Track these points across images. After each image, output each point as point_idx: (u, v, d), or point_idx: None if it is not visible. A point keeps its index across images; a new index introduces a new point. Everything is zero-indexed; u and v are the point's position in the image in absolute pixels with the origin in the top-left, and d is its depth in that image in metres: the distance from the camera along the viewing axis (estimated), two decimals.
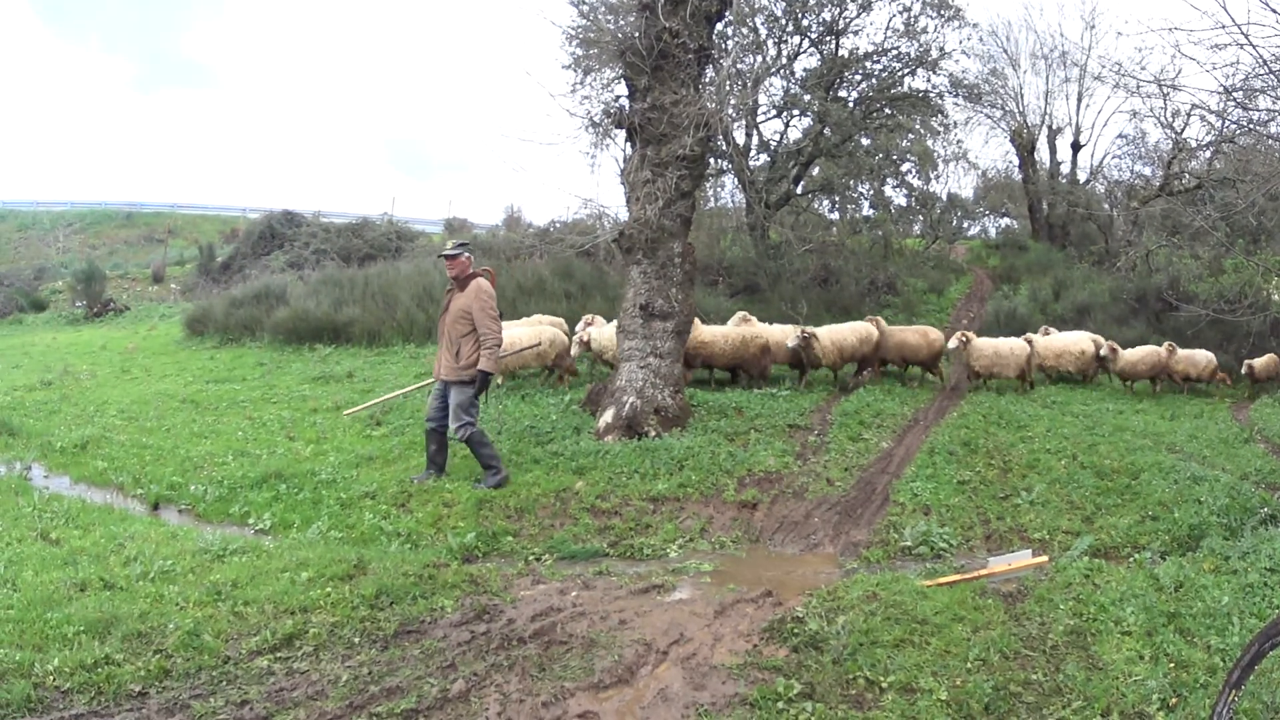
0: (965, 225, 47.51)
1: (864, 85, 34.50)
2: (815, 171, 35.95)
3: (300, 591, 8.57)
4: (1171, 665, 6.94)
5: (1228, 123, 21.37)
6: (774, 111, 35.39)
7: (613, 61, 16.02)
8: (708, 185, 34.29)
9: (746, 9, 30.56)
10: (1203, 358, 23.85)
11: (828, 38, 33.71)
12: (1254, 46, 14.85)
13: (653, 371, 15.56)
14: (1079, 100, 45.91)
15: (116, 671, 6.89)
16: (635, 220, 15.71)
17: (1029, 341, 22.01)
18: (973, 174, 46.83)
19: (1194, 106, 24.12)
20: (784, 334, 20.27)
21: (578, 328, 20.60)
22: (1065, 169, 46.98)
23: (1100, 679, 6.81)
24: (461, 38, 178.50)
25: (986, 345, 21.03)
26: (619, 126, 16.30)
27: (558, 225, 36.61)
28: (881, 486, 13.29)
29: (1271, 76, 15.45)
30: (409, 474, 13.37)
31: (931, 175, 37.42)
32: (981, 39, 44.17)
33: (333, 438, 15.96)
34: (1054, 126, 46.53)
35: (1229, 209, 23.27)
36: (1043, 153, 46.74)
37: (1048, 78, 46.44)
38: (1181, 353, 23.61)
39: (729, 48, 20.52)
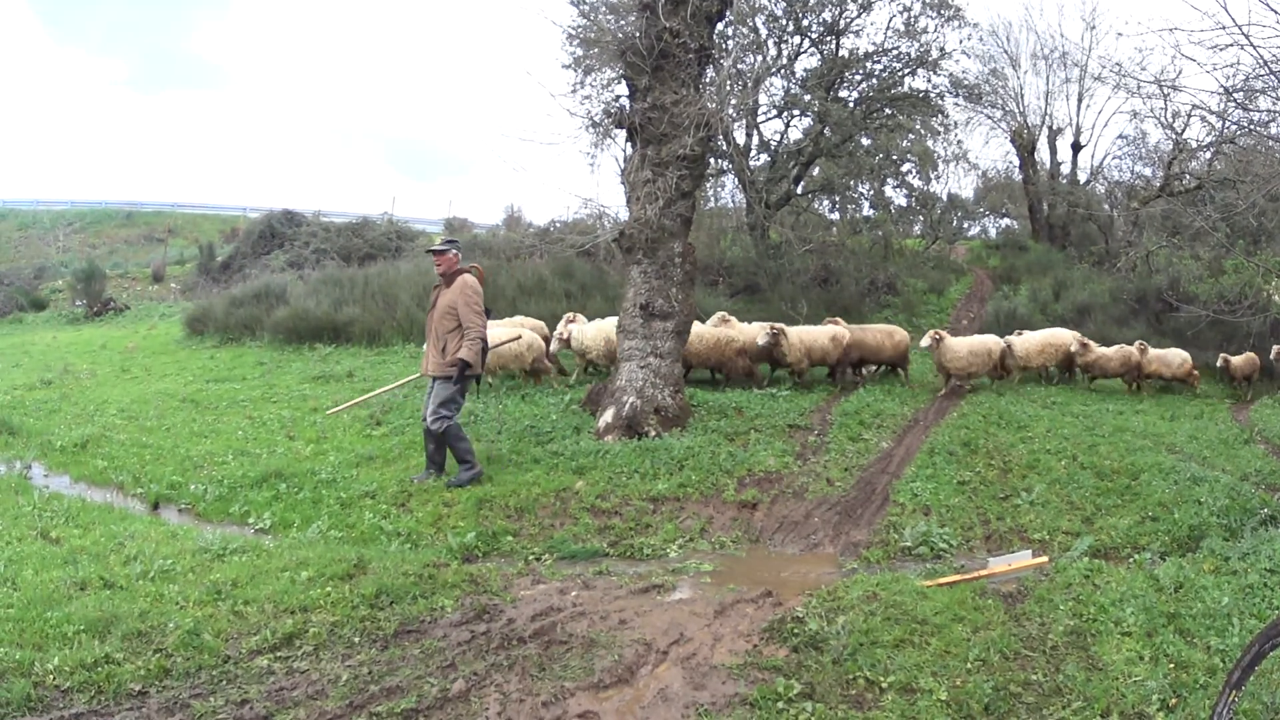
0: (965, 225, 47.51)
1: (864, 85, 34.49)
2: (815, 171, 35.94)
3: (300, 591, 8.57)
4: (1171, 666, 6.94)
5: (1228, 123, 21.35)
6: (774, 111, 35.42)
7: (613, 61, 16.01)
8: (708, 185, 34.31)
9: (747, 9, 30.54)
10: (1175, 357, 23.73)
11: (828, 38, 33.71)
12: (1254, 47, 14.84)
13: (653, 371, 15.56)
14: (1079, 101, 45.95)
15: (116, 670, 6.89)
16: (636, 220, 15.71)
17: (1008, 343, 21.99)
18: (973, 174, 46.83)
19: (1194, 107, 24.11)
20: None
21: (559, 325, 20.60)
22: (1065, 169, 46.99)
23: (1100, 679, 6.81)
24: (462, 37, 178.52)
25: (959, 344, 20.94)
26: (619, 126, 16.30)
27: (558, 225, 36.59)
28: (881, 487, 13.29)
29: (1272, 77, 15.44)
30: (409, 473, 13.37)
31: (932, 175, 37.39)
32: (982, 39, 44.20)
33: (333, 437, 15.96)
34: (1054, 127, 46.56)
35: (1229, 210, 23.27)
36: (1043, 153, 46.80)
37: (1048, 78, 46.48)
38: (1154, 352, 23.54)
39: (729, 48, 20.52)
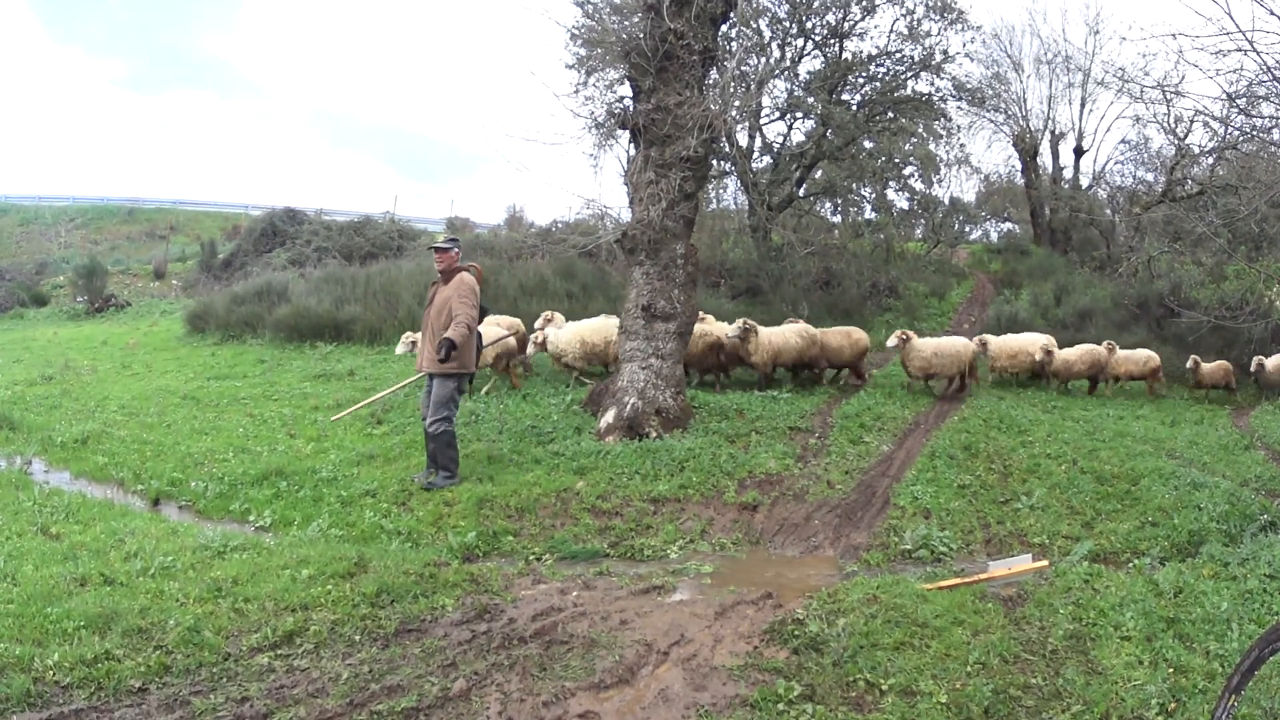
0: (967, 229, 47.42)
1: (867, 88, 34.53)
2: (818, 174, 35.93)
3: (301, 589, 8.58)
4: (1170, 670, 6.96)
5: (1231, 129, 21.33)
6: (777, 114, 35.46)
7: (617, 62, 16.01)
8: (710, 187, 34.28)
9: (750, 11, 30.55)
10: (1142, 356, 23.79)
11: (831, 40, 33.75)
12: (1258, 53, 14.84)
13: (654, 373, 15.56)
14: (1082, 105, 45.97)
15: (116, 667, 6.90)
16: (638, 221, 15.72)
17: (983, 343, 21.91)
18: (975, 178, 46.96)
19: (1197, 113, 24.09)
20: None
21: (536, 325, 20.60)
22: (1068, 174, 47.03)
23: (1099, 683, 6.83)
24: (465, 36, 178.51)
25: (925, 345, 20.72)
26: (623, 127, 16.30)
27: (560, 225, 36.57)
28: (882, 490, 13.29)
29: (1275, 83, 15.44)
30: (410, 472, 13.37)
31: (934, 179, 37.40)
32: (985, 43, 44.29)
33: (333, 435, 15.95)
34: (1057, 131, 46.59)
35: (1231, 215, 23.26)
36: (1045, 157, 46.83)
37: (1051, 82, 46.50)
38: (1121, 352, 23.57)
39: (733, 49, 20.47)
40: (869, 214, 37.87)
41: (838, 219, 37.95)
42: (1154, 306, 30.28)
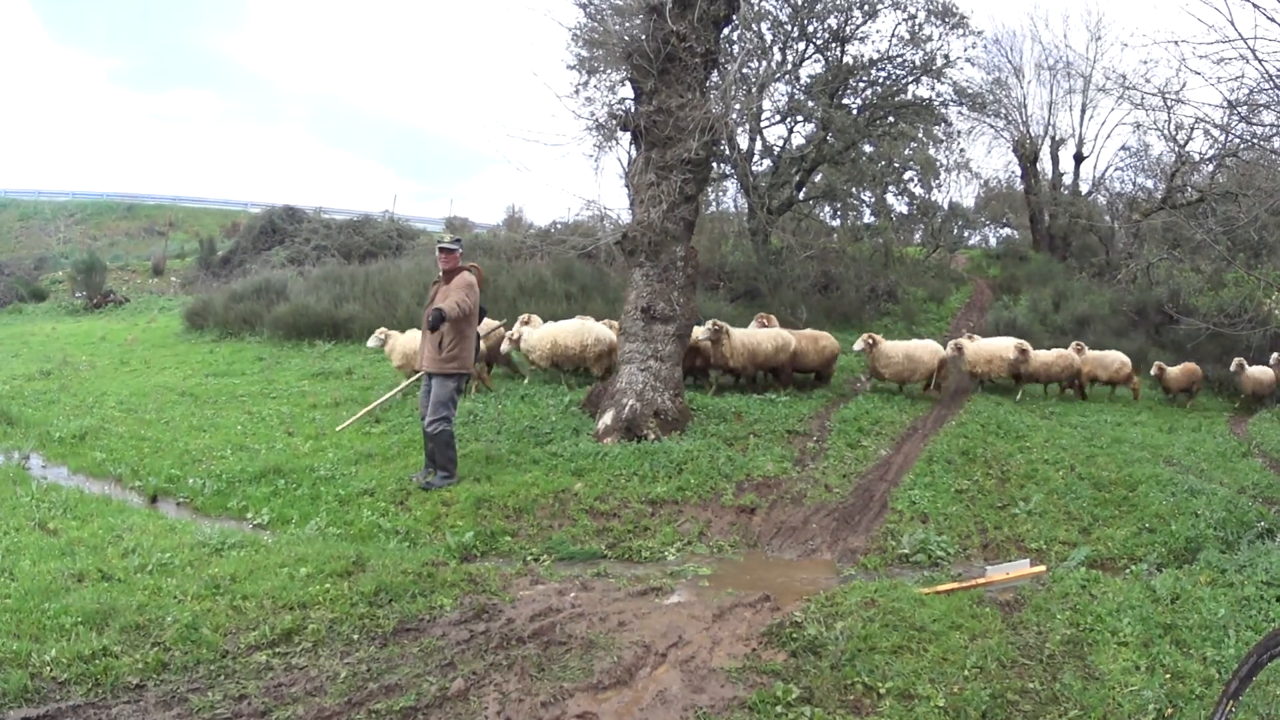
0: (966, 234, 47.52)
1: (868, 92, 34.54)
2: (818, 178, 35.95)
3: (299, 587, 8.57)
4: (1167, 676, 6.97)
5: (1231, 137, 21.34)
6: (778, 117, 35.46)
7: (619, 64, 16.02)
8: (710, 190, 34.30)
9: (752, 14, 30.56)
10: (1113, 359, 23.65)
11: (833, 44, 33.75)
12: (1259, 61, 14.86)
13: (653, 374, 15.57)
14: (1082, 111, 45.94)
15: (114, 663, 6.89)
16: (639, 223, 15.73)
17: (959, 347, 21.70)
18: (975, 183, 46.96)
19: (1198, 120, 24.08)
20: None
21: (515, 326, 20.65)
22: (1067, 180, 47.01)
23: (1097, 688, 6.84)
24: (467, 37, 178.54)
25: (895, 350, 20.75)
26: (624, 129, 16.31)
27: (559, 226, 36.55)
28: (880, 494, 13.31)
29: (1276, 91, 15.46)
30: (407, 472, 13.37)
31: (933, 184, 37.47)
32: (986, 48, 44.27)
33: (331, 434, 15.93)
34: (1057, 137, 46.57)
35: (1231, 223, 23.25)
36: (1045, 163, 46.82)
37: (1051, 88, 46.50)
38: (1091, 354, 23.48)
39: (735, 52, 20.47)
40: (868, 218, 37.90)
41: (837, 223, 38.01)
42: (1152, 313, 30.32)
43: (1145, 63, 47.99)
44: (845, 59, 33.72)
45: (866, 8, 32.71)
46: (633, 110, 16.16)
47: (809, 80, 34.58)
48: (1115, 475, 14.04)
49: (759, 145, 35.92)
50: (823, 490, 13.38)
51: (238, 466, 13.94)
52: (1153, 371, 23.74)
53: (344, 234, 44.69)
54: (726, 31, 17.84)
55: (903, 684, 6.88)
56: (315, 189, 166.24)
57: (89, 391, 20.97)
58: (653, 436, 14.96)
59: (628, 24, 16.12)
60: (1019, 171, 47.25)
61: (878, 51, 33.81)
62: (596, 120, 16.60)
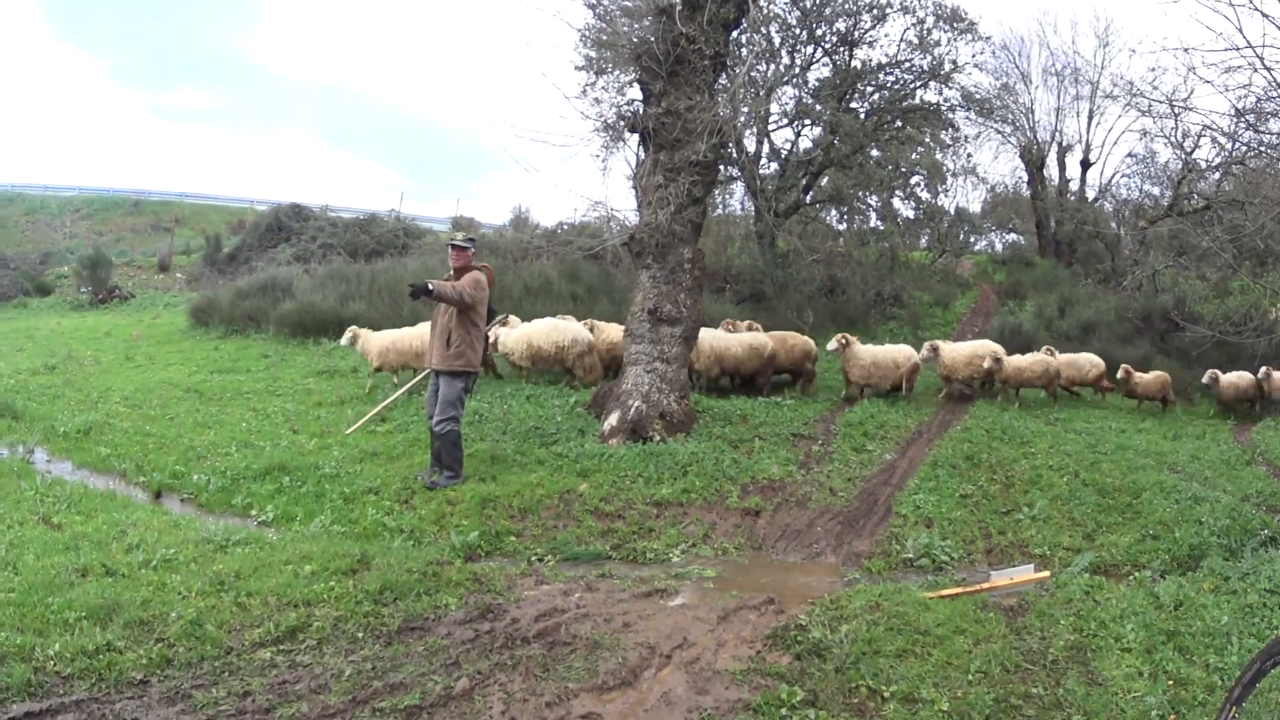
0: (972, 240, 47.50)
1: (876, 97, 34.55)
2: (824, 181, 35.97)
3: (303, 585, 8.57)
4: (1170, 682, 6.98)
5: (1238, 145, 21.37)
6: (785, 120, 35.48)
7: (628, 65, 16.01)
8: (717, 192, 34.27)
9: (761, 17, 30.55)
10: (1086, 362, 23.54)
11: (841, 48, 33.76)
12: (1267, 69, 14.88)
13: (659, 376, 15.57)
14: (1090, 118, 45.82)
15: (118, 659, 6.89)
16: (646, 224, 15.74)
17: (935, 349, 21.46)
18: (981, 189, 46.91)
19: (1205, 128, 24.13)
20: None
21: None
22: (1074, 186, 46.92)
23: (1100, 694, 6.84)
24: (475, 36, 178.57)
25: (865, 353, 20.65)
26: (633, 130, 16.32)
27: (565, 227, 36.55)
28: (884, 498, 13.31)
29: None
30: (413, 470, 13.37)
31: (940, 189, 37.46)
32: (994, 53, 44.28)
33: (336, 432, 15.94)
34: (1064, 143, 46.48)
35: (1237, 231, 23.23)
36: (1052, 169, 46.66)
37: (1059, 94, 46.40)
38: (1063, 356, 23.24)
39: (744, 55, 20.47)
40: (875, 222, 37.89)
41: (844, 227, 37.97)
42: (1158, 320, 30.29)
43: (1153, 70, 48.01)
44: (853, 63, 33.77)
45: (875, 12, 32.76)
46: (641, 112, 16.16)
47: (817, 84, 34.66)
48: (1119, 482, 14.02)
49: (766, 148, 35.96)
50: (828, 494, 13.38)
51: (242, 463, 13.93)
52: (1119, 374, 23.35)
53: (350, 232, 44.76)
54: (735, 34, 17.86)
55: (907, 687, 6.88)
56: (322, 187, 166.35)
57: (94, 387, 21.00)
58: (658, 438, 14.96)
59: (637, 25, 16.12)
60: (1026, 177, 47.18)
61: (886, 56, 33.90)
62: (605, 121, 16.60)
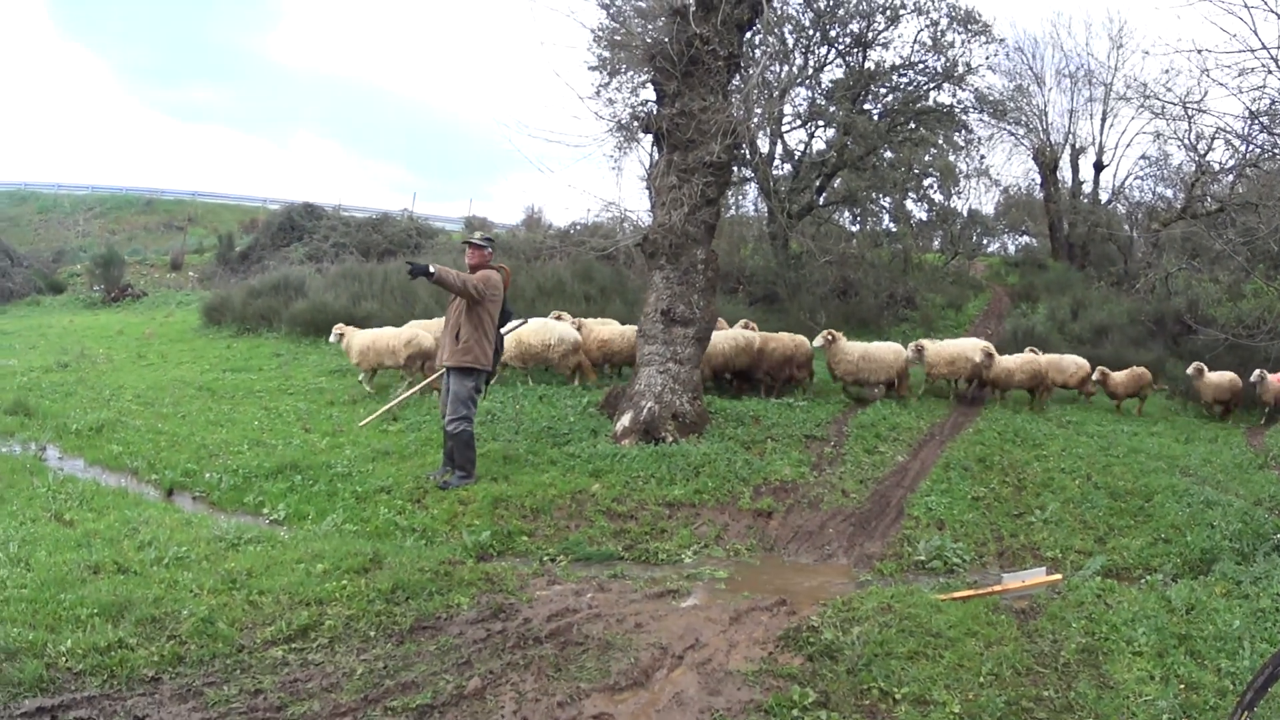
0: (985, 242, 47.46)
1: (889, 98, 34.51)
2: (838, 183, 35.93)
3: (315, 583, 8.57)
4: (1182, 686, 6.97)
5: (1252, 147, 21.34)
6: (799, 121, 35.44)
7: (642, 65, 16.01)
8: (730, 193, 34.24)
9: (775, 18, 30.49)
10: (1069, 363, 23.39)
11: (855, 49, 33.74)
12: None
13: (672, 377, 15.56)
14: (1103, 120, 45.83)
15: (129, 656, 6.89)
16: (660, 225, 15.74)
17: (919, 349, 21.33)
18: (994, 191, 46.82)
19: (1218, 130, 24.12)
20: None
21: None
22: (1087, 188, 46.92)
23: (1111, 697, 6.83)
24: (489, 37, 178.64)
25: (851, 349, 20.41)
26: (647, 131, 16.33)
27: (579, 227, 36.55)
28: (896, 500, 13.29)
29: None
30: (425, 470, 13.37)
31: (953, 190, 37.42)
32: (1008, 55, 44.33)
33: (349, 431, 15.96)
34: (1077, 145, 46.48)
35: (1251, 234, 23.20)
36: (1065, 171, 46.68)
37: (1073, 96, 46.41)
38: (1047, 358, 23.07)
39: (757, 56, 20.44)
40: (888, 224, 37.85)
41: (857, 228, 37.92)
42: (1170, 323, 30.22)
43: (1167, 72, 47.93)
44: (867, 64, 33.73)
45: (889, 13, 32.72)
46: (655, 112, 16.16)
47: (830, 85, 34.64)
48: (1131, 485, 14.01)
49: (780, 149, 35.98)
50: (840, 495, 13.38)
51: (254, 462, 13.95)
52: (1095, 376, 23.21)
53: (363, 232, 44.83)
54: (749, 35, 17.80)
55: (918, 689, 6.87)
56: (334, 187, 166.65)
57: (106, 384, 21.05)
58: (670, 439, 14.96)
59: (651, 26, 16.12)
60: (1039, 179, 47.20)
61: (900, 57, 33.88)
62: (619, 121, 16.61)
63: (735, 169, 27.10)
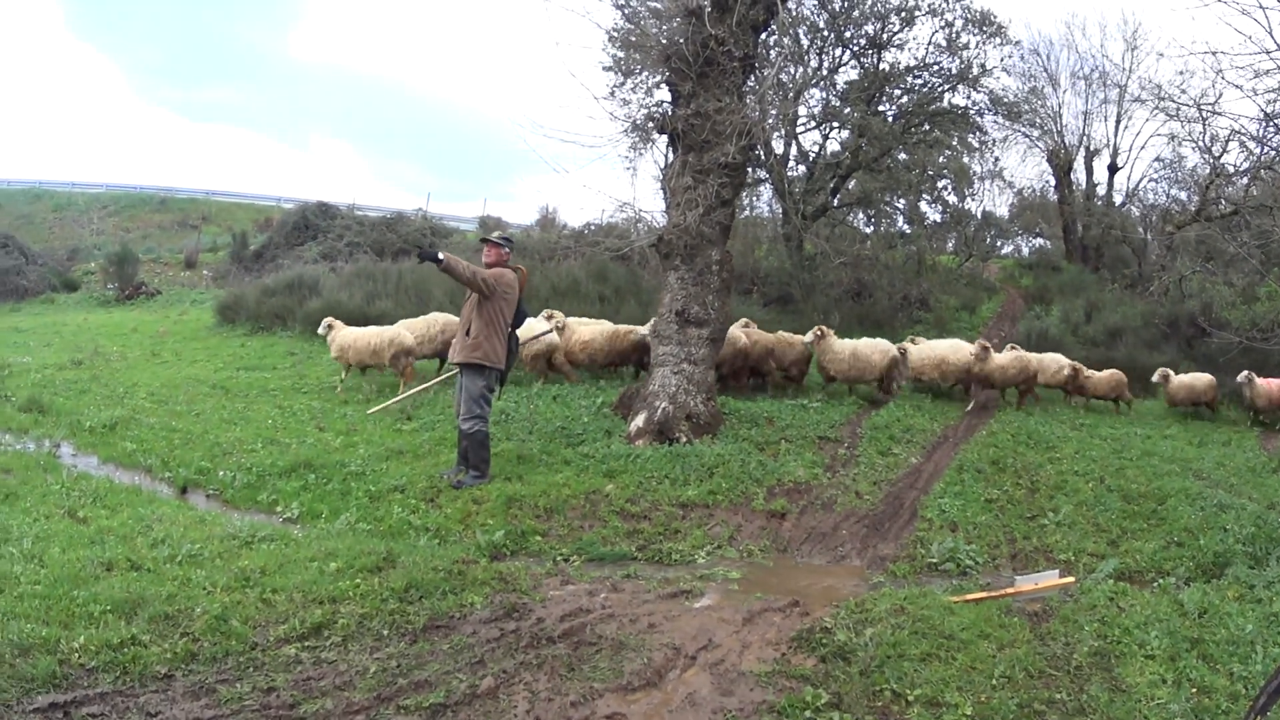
0: (999, 244, 47.40)
1: (904, 100, 34.49)
2: (852, 184, 35.95)
3: (329, 582, 8.59)
4: (1194, 690, 6.98)
5: (1267, 149, 21.23)
6: (813, 123, 35.39)
7: (658, 66, 16.02)
8: (745, 194, 34.22)
9: (790, 20, 30.47)
10: (1052, 362, 23.13)
11: (870, 51, 33.72)
12: None
13: (686, 378, 15.56)
14: (1117, 122, 45.70)
15: (143, 652, 6.93)
16: (675, 226, 15.74)
17: (902, 350, 21.28)
18: (1008, 192, 46.77)
19: (1233, 132, 23.97)
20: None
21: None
22: (1101, 191, 46.80)
23: (1123, 701, 6.83)
24: (505, 36, 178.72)
25: (841, 347, 20.43)
26: (662, 131, 16.33)
27: (593, 228, 36.58)
28: (909, 502, 13.29)
29: None
30: (438, 469, 13.40)
31: (967, 192, 37.41)
32: (1023, 57, 44.24)
33: (362, 430, 16.00)
34: (1091, 147, 46.35)
35: (1265, 236, 23.09)
36: (1079, 173, 46.57)
37: (1087, 98, 46.29)
38: (1029, 355, 22.63)
39: (772, 58, 20.41)
40: (902, 225, 37.82)
41: (871, 230, 37.90)
42: (1184, 326, 30.16)
43: (1181, 73, 47.69)
44: (882, 66, 33.70)
45: (904, 15, 32.70)
46: (670, 113, 16.17)
47: (845, 86, 34.57)
48: (1144, 488, 13.99)
49: (794, 151, 35.98)
50: (853, 497, 13.39)
51: (268, 460, 14.00)
52: (1067, 372, 22.87)
53: (377, 231, 44.81)
54: (764, 37, 17.80)
55: (931, 691, 6.88)
56: (349, 186, 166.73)
57: (120, 382, 21.10)
58: (684, 439, 14.95)
59: (665, 27, 16.12)
60: (1053, 181, 47.07)
61: (914, 59, 33.84)
62: (633, 122, 16.62)
63: (750, 170, 27.09)
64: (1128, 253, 42.98)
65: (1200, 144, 31.84)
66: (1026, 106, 42.12)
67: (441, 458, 13.96)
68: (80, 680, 6.55)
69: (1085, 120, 46.25)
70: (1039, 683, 7.16)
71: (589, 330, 20.23)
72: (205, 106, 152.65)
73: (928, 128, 33.81)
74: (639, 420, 15.24)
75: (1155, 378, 23.18)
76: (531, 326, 19.49)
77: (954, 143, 34.22)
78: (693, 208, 15.58)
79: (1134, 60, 45.93)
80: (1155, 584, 10.27)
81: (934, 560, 11.20)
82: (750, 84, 16.87)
